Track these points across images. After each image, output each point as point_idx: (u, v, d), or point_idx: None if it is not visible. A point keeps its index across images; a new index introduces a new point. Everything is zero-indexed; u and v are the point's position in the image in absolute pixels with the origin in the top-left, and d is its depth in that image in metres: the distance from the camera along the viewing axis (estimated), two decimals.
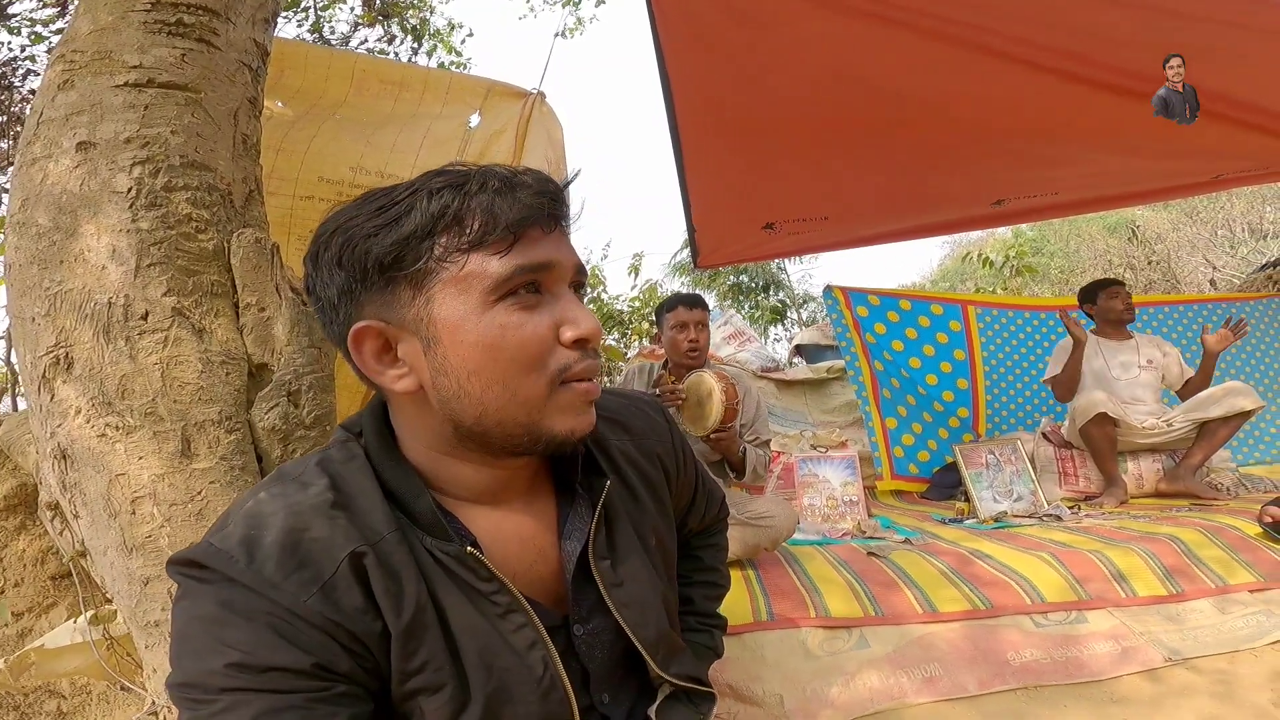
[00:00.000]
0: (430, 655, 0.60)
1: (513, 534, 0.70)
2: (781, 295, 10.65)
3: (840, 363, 4.19)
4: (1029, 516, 2.59)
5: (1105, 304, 3.11)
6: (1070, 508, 2.66)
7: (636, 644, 0.73)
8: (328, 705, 0.54)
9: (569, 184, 0.66)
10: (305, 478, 0.62)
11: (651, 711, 0.76)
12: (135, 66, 1.19)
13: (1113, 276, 5.62)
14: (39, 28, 3.73)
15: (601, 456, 0.76)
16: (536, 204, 0.60)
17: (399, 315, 0.61)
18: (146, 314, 1.10)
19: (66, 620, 1.52)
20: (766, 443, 2.22)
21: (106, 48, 1.19)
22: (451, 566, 0.62)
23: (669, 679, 0.77)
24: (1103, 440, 2.77)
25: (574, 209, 0.67)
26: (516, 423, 0.62)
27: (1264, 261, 5.17)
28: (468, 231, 0.59)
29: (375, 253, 0.59)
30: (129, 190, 1.12)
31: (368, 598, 0.58)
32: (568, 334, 0.62)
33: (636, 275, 6.86)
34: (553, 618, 0.69)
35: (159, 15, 1.22)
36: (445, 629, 0.61)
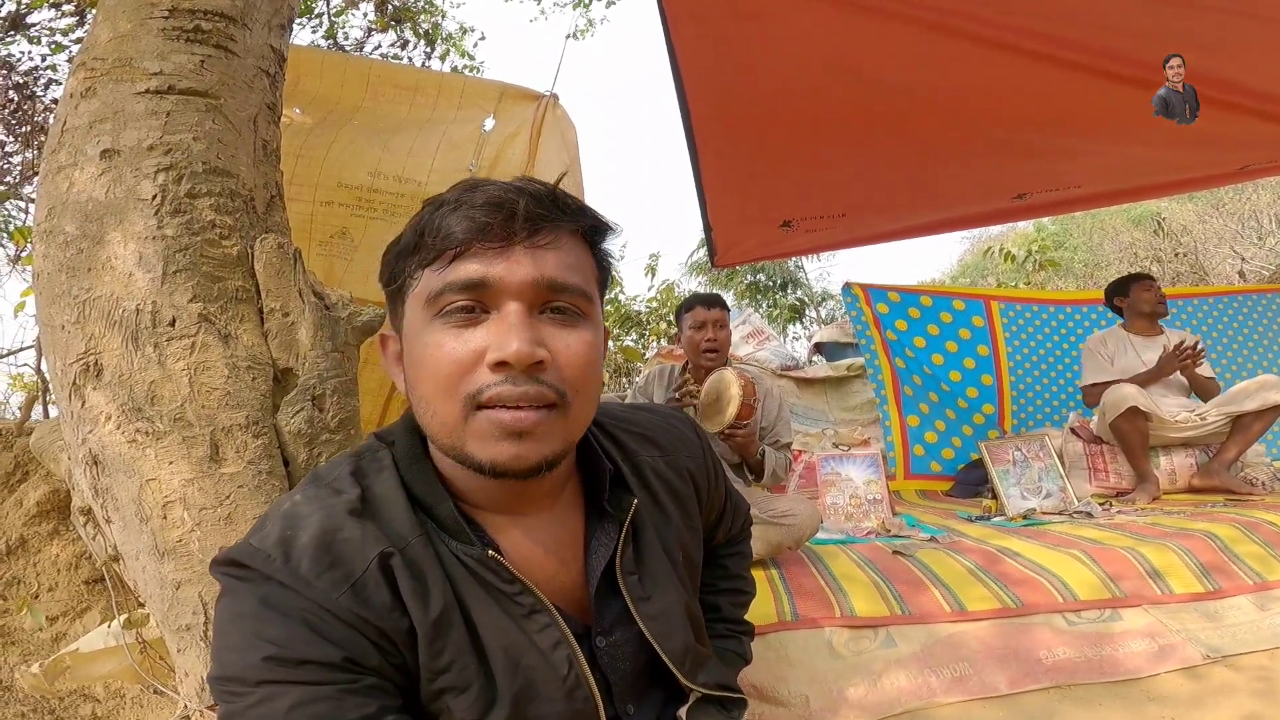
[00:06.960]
0: (457, 654, 0.61)
1: (536, 543, 0.70)
2: (800, 293, 10.58)
3: (860, 360, 4.15)
4: (1058, 513, 2.54)
5: (1137, 295, 3.08)
6: (1101, 504, 2.61)
7: (662, 656, 0.73)
8: (357, 697, 0.56)
9: (544, 197, 0.63)
10: (338, 483, 0.65)
11: (682, 713, 0.76)
12: (155, 73, 1.19)
13: (1141, 270, 5.52)
14: (59, 37, 3.80)
15: (631, 473, 0.77)
16: (480, 220, 0.60)
17: (398, 324, 0.68)
18: (174, 320, 1.11)
19: (100, 625, 1.54)
20: (787, 445, 2.19)
21: (126, 55, 1.19)
22: (475, 569, 0.64)
23: (697, 688, 0.77)
24: (1134, 435, 2.72)
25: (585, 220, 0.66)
26: (443, 443, 0.63)
27: None
28: (423, 249, 0.63)
29: (385, 270, 0.68)
30: (153, 197, 1.13)
31: (395, 596, 0.60)
32: (488, 356, 0.60)
33: (653, 275, 6.87)
34: (575, 624, 0.70)
35: (177, 22, 1.22)
36: (471, 629, 0.63)
